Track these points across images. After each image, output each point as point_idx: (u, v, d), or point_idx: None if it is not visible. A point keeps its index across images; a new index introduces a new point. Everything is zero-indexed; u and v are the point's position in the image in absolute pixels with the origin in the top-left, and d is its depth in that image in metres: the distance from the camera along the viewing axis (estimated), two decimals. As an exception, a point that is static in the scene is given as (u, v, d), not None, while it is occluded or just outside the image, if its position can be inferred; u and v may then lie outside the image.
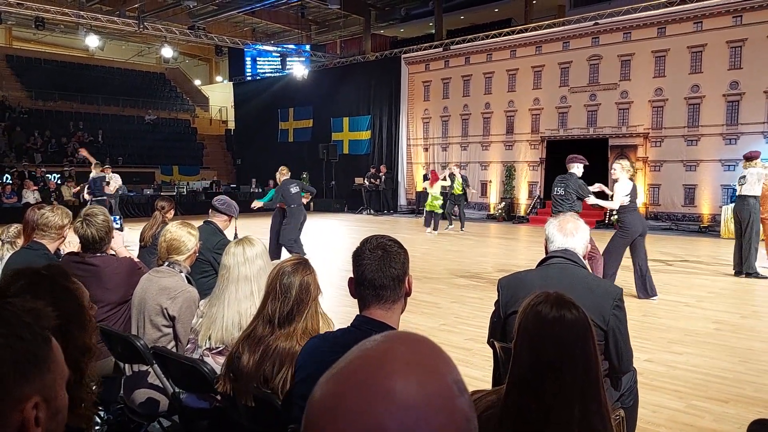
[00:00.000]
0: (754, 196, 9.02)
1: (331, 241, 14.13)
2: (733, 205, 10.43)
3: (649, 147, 16.78)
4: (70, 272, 1.73)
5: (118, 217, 11.82)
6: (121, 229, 12.53)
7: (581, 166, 7.67)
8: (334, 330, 2.15)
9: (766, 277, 9.00)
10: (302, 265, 2.51)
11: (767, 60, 14.74)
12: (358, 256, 2.02)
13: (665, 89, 16.39)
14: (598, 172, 17.35)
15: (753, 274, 9.03)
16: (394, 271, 1.97)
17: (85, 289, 1.69)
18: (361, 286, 2.00)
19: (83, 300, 1.61)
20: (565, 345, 1.62)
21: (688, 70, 15.98)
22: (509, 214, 19.11)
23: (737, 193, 9.32)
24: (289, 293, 2.41)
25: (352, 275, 2.05)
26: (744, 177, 9.13)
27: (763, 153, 13.93)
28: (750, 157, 9.25)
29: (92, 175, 13.85)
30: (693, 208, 16.12)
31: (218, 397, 2.72)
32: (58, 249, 4.18)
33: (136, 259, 4.48)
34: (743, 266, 9.12)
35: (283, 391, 2.33)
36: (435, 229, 15.28)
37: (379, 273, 1.96)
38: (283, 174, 10.34)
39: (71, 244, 4.50)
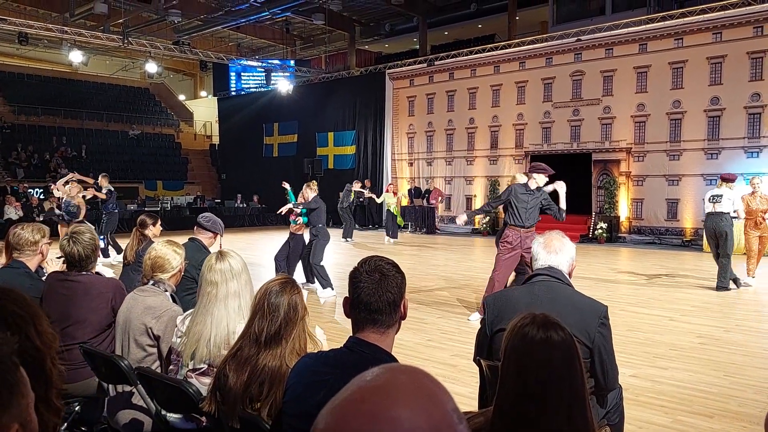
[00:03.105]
0: (728, 213, 9.17)
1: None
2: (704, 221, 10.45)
3: (632, 162, 16.93)
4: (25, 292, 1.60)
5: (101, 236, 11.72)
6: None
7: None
8: (326, 350, 2.13)
9: (749, 285, 9.28)
10: (289, 284, 2.49)
11: (747, 76, 14.98)
12: (354, 278, 1.99)
13: (647, 104, 16.57)
14: (582, 186, 17.57)
15: (724, 287, 9.17)
16: (390, 296, 1.95)
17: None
18: (356, 308, 1.98)
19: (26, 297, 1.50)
20: (552, 366, 1.63)
21: (670, 85, 16.18)
22: (494, 229, 19.13)
23: (712, 210, 9.30)
24: (277, 313, 2.38)
25: (347, 295, 2.03)
26: (720, 196, 9.22)
27: (744, 168, 14.18)
28: (728, 179, 9.43)
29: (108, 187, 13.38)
30: (676, 222, 16.26)
31: (204, 418, 2.69)
32: (40, 267, 4.13)
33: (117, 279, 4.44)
34: (721, 280, 9.22)
35: (271, 411, 2.31)
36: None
37: (375, 297, 1.94)
38: (312, 189, 9.27)
39: (53, 262, 4.45)
